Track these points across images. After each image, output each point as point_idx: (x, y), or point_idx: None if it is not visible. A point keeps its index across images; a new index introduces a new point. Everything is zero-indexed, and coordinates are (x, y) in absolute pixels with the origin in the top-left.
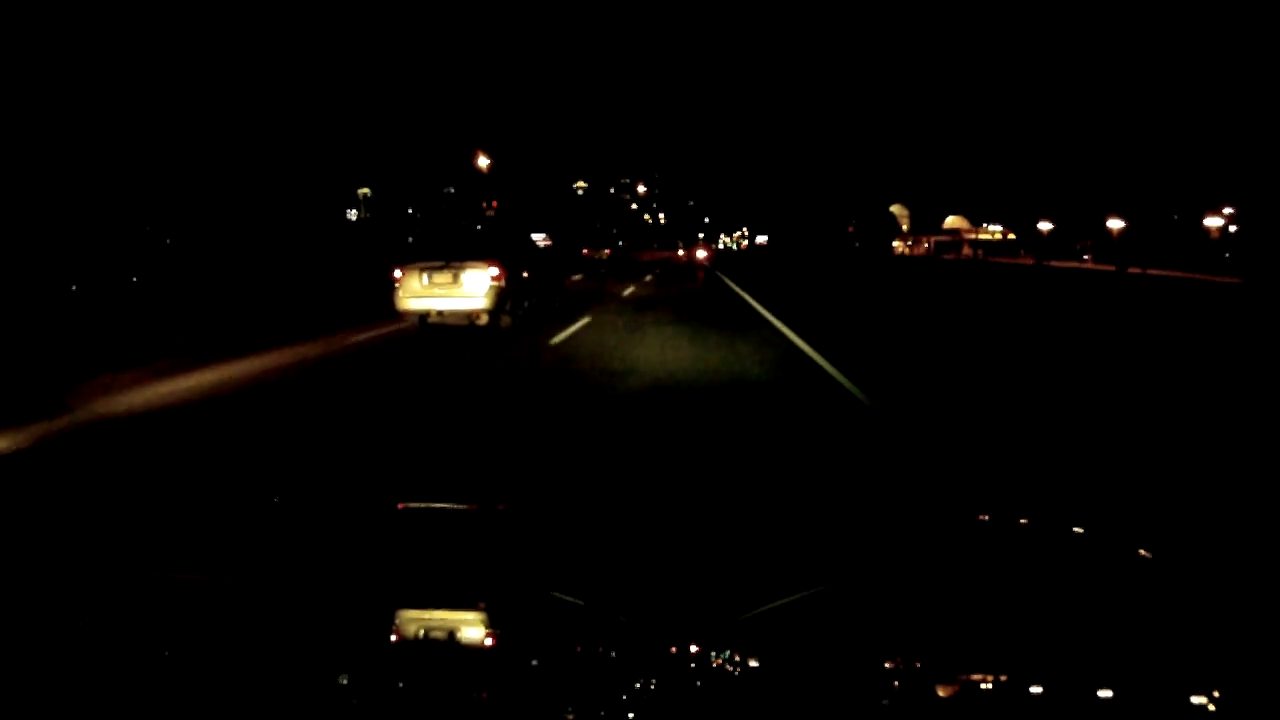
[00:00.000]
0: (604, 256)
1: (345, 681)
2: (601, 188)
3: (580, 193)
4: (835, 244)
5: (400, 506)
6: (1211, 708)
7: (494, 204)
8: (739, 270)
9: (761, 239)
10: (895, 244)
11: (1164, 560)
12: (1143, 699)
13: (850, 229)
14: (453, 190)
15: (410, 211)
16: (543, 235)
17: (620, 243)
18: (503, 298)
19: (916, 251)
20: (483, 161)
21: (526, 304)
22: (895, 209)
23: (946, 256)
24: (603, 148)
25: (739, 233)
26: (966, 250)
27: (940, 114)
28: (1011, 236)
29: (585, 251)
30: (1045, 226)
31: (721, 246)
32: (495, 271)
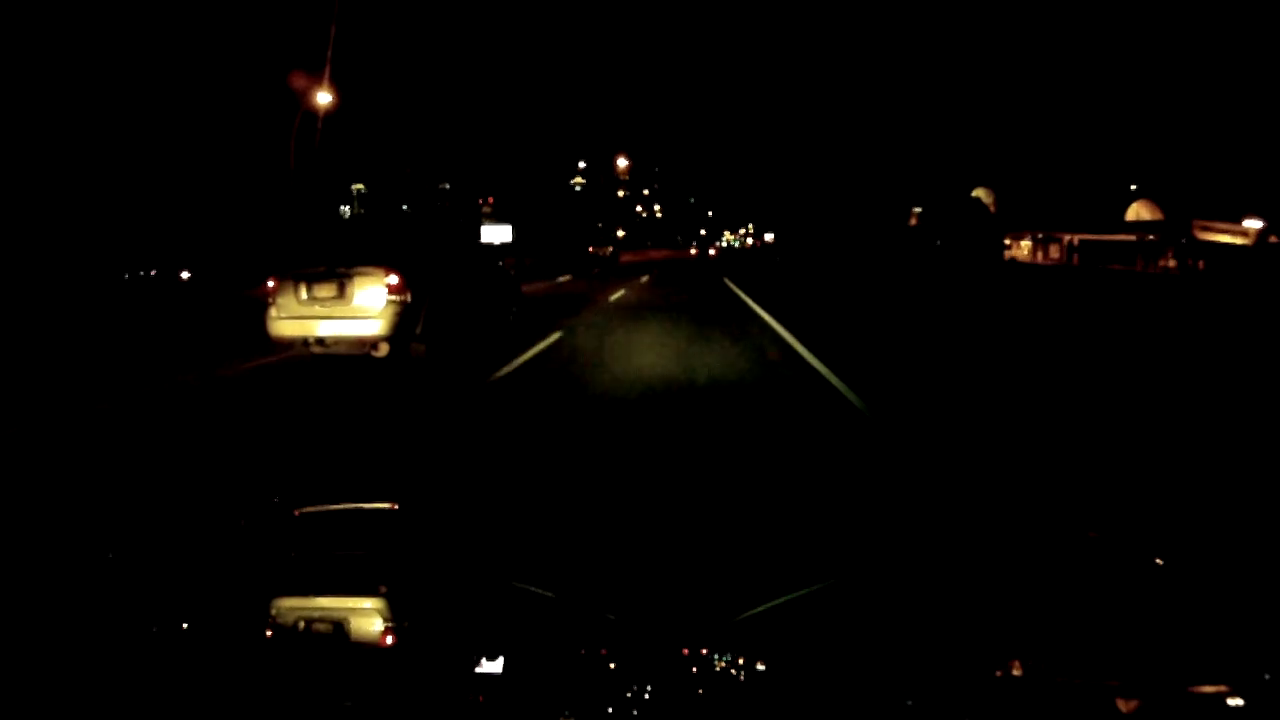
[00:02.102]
0: (607, 254)
1: (338, 684)
2: (598, 183)
3: (578, 189)
4: (895, 242)
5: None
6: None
7: (490, 200)
8: (754, 278)
9: (768, 236)
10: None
11: (1175, 565)
12: (1141, 697)
13: (913, 221)
14: (448, 186)
15: (405, 208)
16: (508, 228)
17: (600, 240)
18: (408, 318)
19: (1047, 257)
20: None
21: (451, 325)
22: (980, 194)
23: (1114, 267)
24: (600, 143)
25: (743, 229)
26: (1171, 261)
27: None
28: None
29: (590, 249)
30: None
31: (725, 244)
32: (394, 281)
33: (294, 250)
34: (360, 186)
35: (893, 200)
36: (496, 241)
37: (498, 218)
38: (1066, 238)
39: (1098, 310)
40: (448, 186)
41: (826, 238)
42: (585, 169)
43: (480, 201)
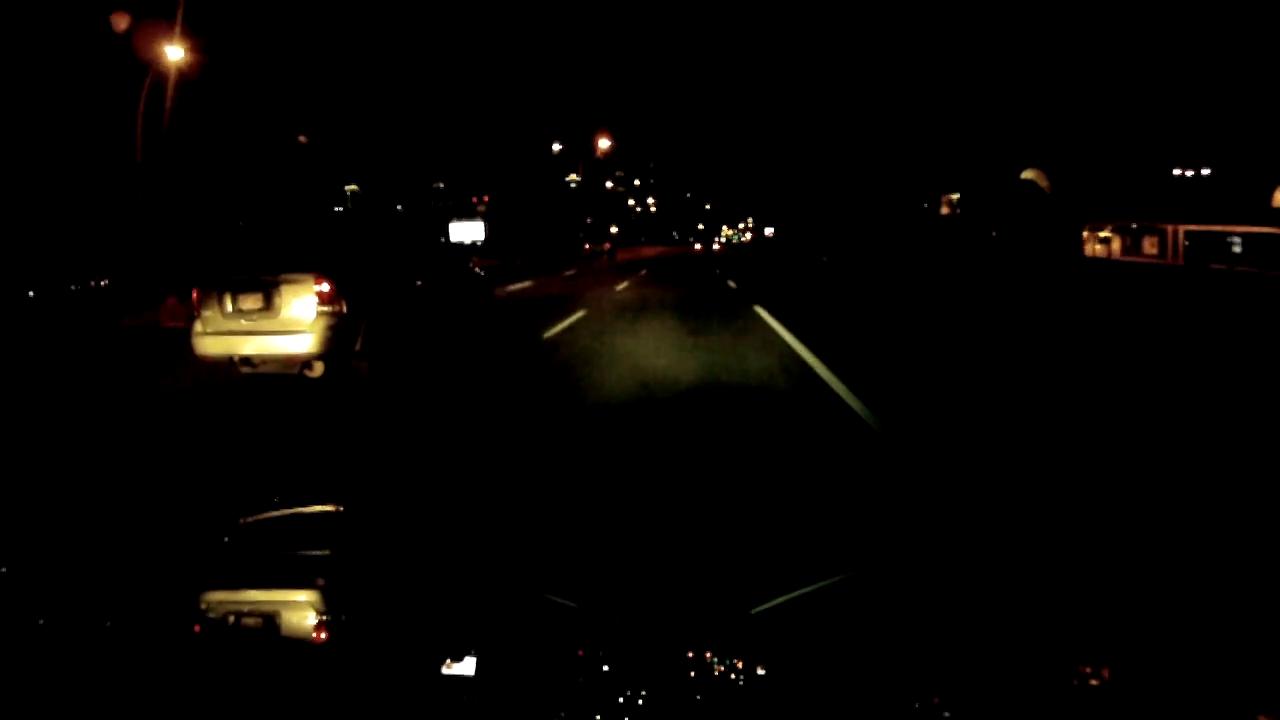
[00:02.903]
0: (604, 250)
1: (336, 684)
2: (590, 179)
3: (573, 185)
4: (930, 234)
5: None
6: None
7: (485, 199)
8: (772, 285)
9: (768, 230)
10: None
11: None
12: (1149, 698)
13: (945, 209)
14: (442, 185)
15: (399, 208)
16: (480, 224)
17: (596, 237)
18: (345, 332)
19: (1140, 253)
20: None
21: (400, 339)
22: (1031, 175)
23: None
24: (593, 137)
25: (742, 224)
26: None
27: None
28: None
29: (586, 246)
30: None
31: (724, 239)
32: (325, 289)
33: (222, 253)
34: (354, 187)
35: (921, 186)
36: (467, 240)
37: (492, 217)
38: (1170, 229)
39: (1219, 328)
40: (441, 185)
41: (841, 231)
42: (577, 165)
43: (475, 200)
